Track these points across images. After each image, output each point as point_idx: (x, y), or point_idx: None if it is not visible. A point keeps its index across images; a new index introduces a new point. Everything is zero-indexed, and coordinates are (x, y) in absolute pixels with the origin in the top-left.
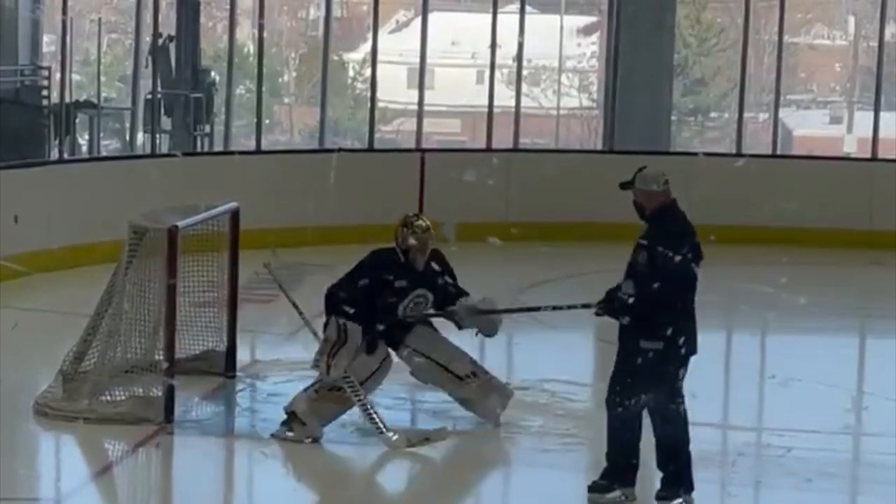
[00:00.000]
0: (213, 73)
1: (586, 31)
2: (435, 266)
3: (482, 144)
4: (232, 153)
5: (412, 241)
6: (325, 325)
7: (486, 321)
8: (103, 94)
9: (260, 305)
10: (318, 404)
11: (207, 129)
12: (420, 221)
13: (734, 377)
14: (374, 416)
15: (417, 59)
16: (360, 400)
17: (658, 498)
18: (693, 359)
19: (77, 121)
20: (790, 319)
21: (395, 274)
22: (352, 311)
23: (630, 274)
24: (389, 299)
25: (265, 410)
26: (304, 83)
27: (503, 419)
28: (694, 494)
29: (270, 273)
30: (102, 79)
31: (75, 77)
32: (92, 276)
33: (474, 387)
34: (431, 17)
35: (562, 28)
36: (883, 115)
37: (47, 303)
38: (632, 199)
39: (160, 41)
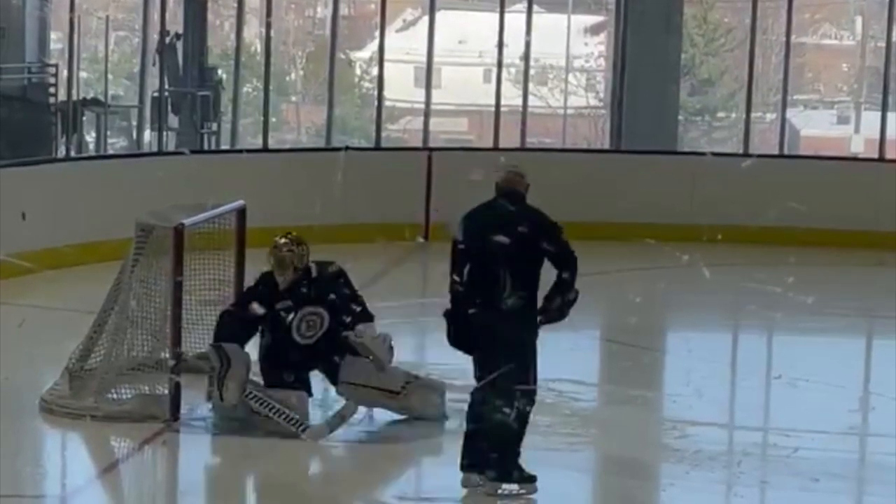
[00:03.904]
0: (220, 72)
1: (593, 30)
2: (317, 282)
3: (489, 143)
4: (239, 151)
5: (270, 259)
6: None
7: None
8: (110, 92)
9: None
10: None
11: (214, 127)
12: (281, 239)
13: (740, 377)
14: (289, 416)
15: (425, 58)
16: (270, 408)
17: None
18: (698, 358)
19: (84, 118)
20: (796, 319)
21: (270, 296)
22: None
23: None
24: (278, 321)
25: None
26: (312, 82)
27: None
28: (700, 494)
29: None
30: (110, 76)
31: (82, 75)
32: (98, 273)
33: (409, 394)
34: (439, 15)
35: (569, 27)
36: (890, 115)
37: (54, 300)
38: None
39: (168, 39)
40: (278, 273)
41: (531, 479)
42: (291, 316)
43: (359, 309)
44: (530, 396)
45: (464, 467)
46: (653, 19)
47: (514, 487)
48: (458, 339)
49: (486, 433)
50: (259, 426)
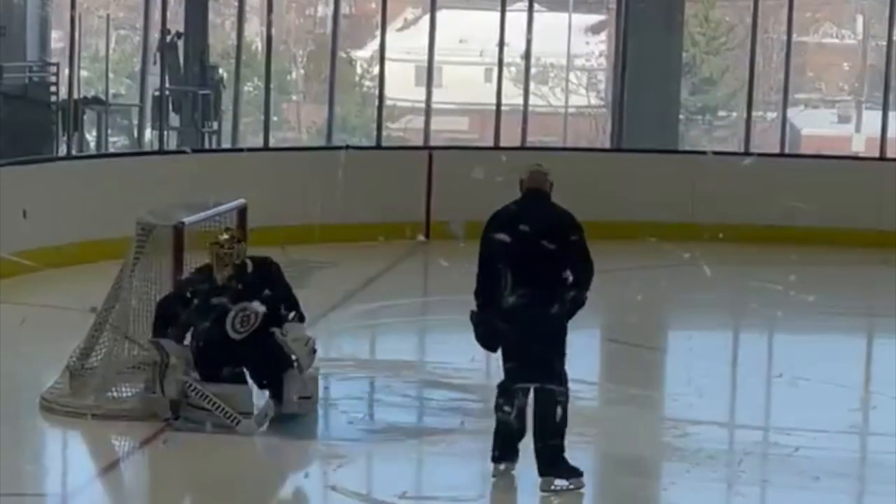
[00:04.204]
0: (221, 70)
1: (594, 29)
2: (252, 278)
3: (490, 142)
4: (240, 150)
5: (210, 255)
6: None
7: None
8: (111, 91)
9: None
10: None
11: (215, 125)
12: (222, 236)
13: (741, 376)
14: (225, 410)
15: (425, 57)
16: (209, 401)
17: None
18: (699, 357)
19: (85, 117)
20: (798, 318)
21: (203, 291)
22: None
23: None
24: (206, 316)
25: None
26: (312, 80)
27: None
28: (701, 493)
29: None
30: (111, 75)
31: (83, 73)
32: (99, 272)
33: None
34: (440, 14)
35: (570, 26)
36: (891, 114)
37: (54, 298)
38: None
39: (168, 38)
40: (216, 269)
41: (579, 474)
42: (226, 310)
43: (291, 308)
44: (563, 393)
45: (495, 459)
46: (654, 18)
47: (563, 483)
48: (485, 338)
49: (523, 430)
50: (198, 420)
